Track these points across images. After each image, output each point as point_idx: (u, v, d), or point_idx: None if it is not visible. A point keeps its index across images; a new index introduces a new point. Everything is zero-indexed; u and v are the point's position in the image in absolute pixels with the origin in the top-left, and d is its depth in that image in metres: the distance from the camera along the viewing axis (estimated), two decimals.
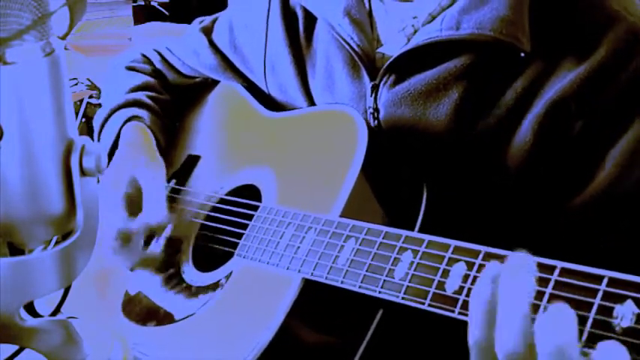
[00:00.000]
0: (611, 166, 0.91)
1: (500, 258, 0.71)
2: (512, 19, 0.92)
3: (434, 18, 0.99)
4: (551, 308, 0.59)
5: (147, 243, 1.14)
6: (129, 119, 1.23)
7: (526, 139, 0.93)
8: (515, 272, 0.63)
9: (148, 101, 1.27)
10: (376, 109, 1.02)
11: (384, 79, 1.00)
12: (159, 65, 1.34)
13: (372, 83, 1.02)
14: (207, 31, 1.27)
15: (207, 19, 1.31)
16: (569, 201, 0.93)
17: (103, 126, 1.26)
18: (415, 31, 1.00)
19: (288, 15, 1.14)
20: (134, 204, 1.11)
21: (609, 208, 0.92)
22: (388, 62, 0.99)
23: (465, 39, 0.93)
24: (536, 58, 0.93)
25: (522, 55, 0.92)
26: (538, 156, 0.93)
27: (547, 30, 0.93)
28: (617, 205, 0.92)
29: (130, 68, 1.34)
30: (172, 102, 1.32)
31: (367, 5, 1.05)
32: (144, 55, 1.36)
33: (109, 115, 1.26)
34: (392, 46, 1.02)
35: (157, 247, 1.13)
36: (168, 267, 1.10)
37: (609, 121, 0.91)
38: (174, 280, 1.07)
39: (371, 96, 1.02)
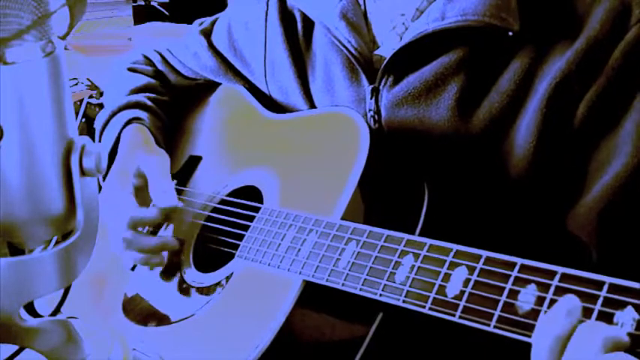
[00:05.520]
0: (625, 154, 0.87)
1: (502, 263, 0.70)
2: (495, 0, 0.91)
3: (421, 12, 0.98)
4: None
5: (154, 233, 1.15)
6: (129, 121, 1.22)
7: (532, 127, 0.90)
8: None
9: (149, 103, 1.27)
10: (377, 112, 1.01)
11: (384, 81, 1.00)
12: (160, 66, 1.34)
13: (372, 86, 1.01)
14: (207, 34, 1.27)
15: (206, 21, 1.31)
16: (575, 199, 0.91)
17: (104, 128, 1.26)
18: (406, 29, 1.00)
19: (287, 17, 1.14)
20: (143, 194, 1.11)
21: (624, 203, 0.88)
22: (384, 63, 0.99)
23: (452, 28, 0.93)
24: (529, 38, 0.92)
25: (510, 34, 0.91)
26: (545, 146, 0.90)
27: (537, 7, 0.92)
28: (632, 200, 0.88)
29: (132, 69, 1.34)
30: (173, 103, 1.32)
31: (362, 5, 1.05)
32: (145, 56, 1.36)
33: (110, 117, 1.26)
34: (387, 47, 1.01)
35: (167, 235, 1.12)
36: (168, 267, 1.10)
37: (612, 100, 0.88)
38: (175, 281, 1.07)
39: (371, 99, 1.01)
